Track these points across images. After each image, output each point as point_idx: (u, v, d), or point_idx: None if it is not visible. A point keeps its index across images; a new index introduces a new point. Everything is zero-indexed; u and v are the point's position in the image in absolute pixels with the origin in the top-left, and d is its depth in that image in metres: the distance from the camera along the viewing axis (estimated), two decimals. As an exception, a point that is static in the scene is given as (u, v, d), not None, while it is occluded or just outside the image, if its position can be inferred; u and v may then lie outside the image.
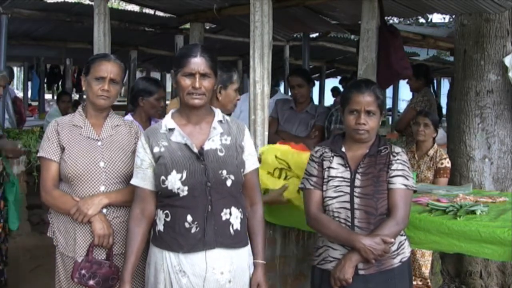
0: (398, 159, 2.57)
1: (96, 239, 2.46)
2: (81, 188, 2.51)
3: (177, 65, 2.29)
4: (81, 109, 2.66)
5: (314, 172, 2.62)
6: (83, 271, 2.44)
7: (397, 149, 2.63)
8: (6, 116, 5.86)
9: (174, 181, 2.22)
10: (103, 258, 2.50)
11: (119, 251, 2.52)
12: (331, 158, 2.62)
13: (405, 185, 2.53)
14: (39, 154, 2.59)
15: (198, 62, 2.25)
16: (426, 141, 4.40)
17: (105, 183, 2.52)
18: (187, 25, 6.46)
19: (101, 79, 2.53)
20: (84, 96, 2.84)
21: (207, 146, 2.27)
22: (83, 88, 2.65)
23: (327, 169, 2.60)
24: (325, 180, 2.59)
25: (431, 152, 4.37)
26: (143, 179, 2.31)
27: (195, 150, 2.25)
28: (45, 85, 13.08)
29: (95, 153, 2.54)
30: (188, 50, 2.30)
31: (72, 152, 2.52)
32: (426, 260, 4.43)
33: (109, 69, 2.54)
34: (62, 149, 2.54)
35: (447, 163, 4.31)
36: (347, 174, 2.56)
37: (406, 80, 5.55)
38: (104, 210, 2.50)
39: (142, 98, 3.66)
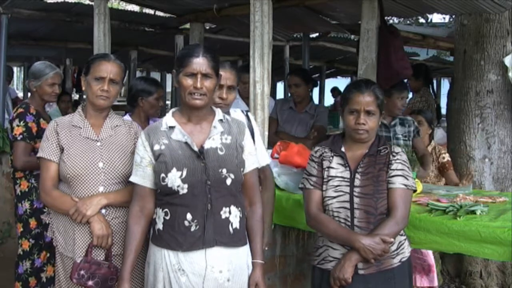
0: (397, 159, 2.57)
1: (95, 239, 2.45)
2: (80, 188, 2.50)
3: (178, 65, 2.29)
4: (81, 109, 2.65)
5: (314, 172, 2.62)
6: (82, 272, 2.43)
7: (397, 149, 2.63)
8: (6, 116, 5.86)
9: (174, 179, 2.22)
10: (102, 259, 2.50)
11: (118, 251, 2.51)
12: (331, 158, 2.62)
13: (405, 185, 2.53)
14: (38, 155, 2.59)
15: (200, 62, 2.25)
16: (423, 139, 4.41)
17: (104, 183, 2.52)
18: (187, 25, 6.46)
19: (101, 79, 2.53)
20: (84, 96, 2.85)
21: (207, 145, 2.27)
22: (83, 88, 2.64)
23: (326, 169, 2.60)
24: (324, 180, 2.59)
25: (429, 149, 4.40)
26: (142, 177, 2.31)
27: (195, 148, 2.25)
28: (45, 85, 13.00)
29: (94, 154, 2.53)
30: (190, 50, 2.30)
31: (71, 153, 2.51)
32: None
33: (109, 69, 2.54)
34: (62, 149, 2.54)
35: (448, 156, 4.40)
36: (346, 174, 2.56)
37: (406, 80, 5.54)
38: (103, 211, 2.50)
39: (142, 98, 3.66)
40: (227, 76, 2.72)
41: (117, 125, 2.66)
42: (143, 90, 3.67)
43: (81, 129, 2.58)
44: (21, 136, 3.45)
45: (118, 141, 2.61)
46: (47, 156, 2.53)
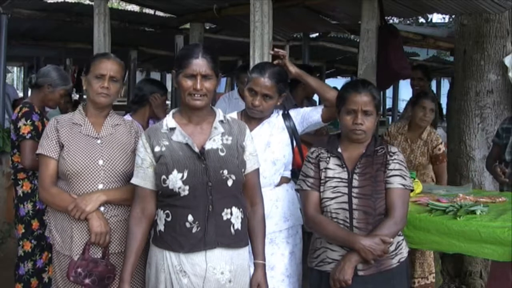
0: (395, 159, 2.56)
1: (93, 236, 2.45)
2: (79, 185, 2.50)
3: (178, 66, 2.29)
4: (81, 107, 2.67)
5: (311, 173, 2.61)
6: (79, 270, 2.43)
7: (394, 149, 2.62)
8: (6, 116, 5.87)
9: (175, 181, 2.21)
10: (98, 257, 2.50)
11: (115, 250, 2.52)
12: (328, 158, 2.60)
13: (403, 185, 2.52)
14: (37, 151, 2.59)
15: (199, 64, 2.24)
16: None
17: (104, 181, 2.52)
18: (187, 25, 6.46)
19: (101, 76, 2.54)
20: (84, 96, 2.87)
21: (208, 146, 2.27)
22: (84, 87, 2.66)
23: (323, 170, 2.58)
24: (322, 181, 2.58)
25: (424, 135, 4.21)
26: (143, 179, 2.31)
27: (196, 149, 2.25)
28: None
29: (94, 151, 2.54)
30: (190, 51, 2.30)
31: (71, 150, 2.52)
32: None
33: (108, 67, 2.56)
34: (61, 146, 2.54)
35: (443, 147, 4.27)
36: (344, 175, 2.55)
37: (413, 82, 5.51)
38: (102, 208, 2.50)
39: (155, 97, 3.71)
40: (261, 83, 2.73)
41: (117, 124, 2.66)
42: (157, 89, 3.75)
43: (81, 127, 2.59)
44: (29, 135, 3.48)
45: (119, 139, 2.61)
46: (46, 153, 2.54)
